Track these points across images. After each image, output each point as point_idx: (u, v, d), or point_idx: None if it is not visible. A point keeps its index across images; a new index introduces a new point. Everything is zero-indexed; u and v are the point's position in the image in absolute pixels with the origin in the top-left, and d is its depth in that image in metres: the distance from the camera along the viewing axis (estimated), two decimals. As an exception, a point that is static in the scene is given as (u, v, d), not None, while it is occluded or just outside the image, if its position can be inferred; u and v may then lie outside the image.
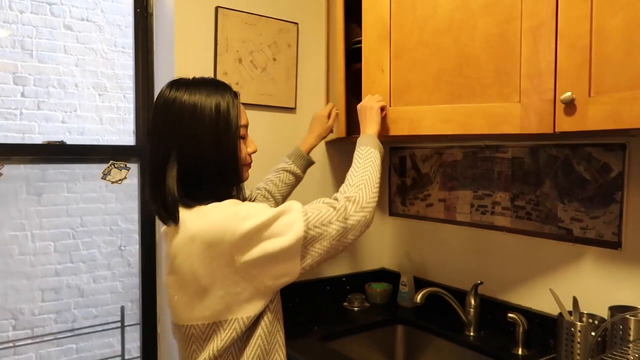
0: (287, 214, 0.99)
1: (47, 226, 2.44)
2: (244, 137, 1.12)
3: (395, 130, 1.38)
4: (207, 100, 1.02)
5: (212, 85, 1.06)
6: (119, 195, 2.57)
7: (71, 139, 1.96)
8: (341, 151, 1.95)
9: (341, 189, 1.13)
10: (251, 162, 1.15)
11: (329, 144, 1.92)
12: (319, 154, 1.89)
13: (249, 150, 1.13)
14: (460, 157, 1.76)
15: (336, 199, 1.09)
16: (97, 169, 1.65)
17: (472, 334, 1.59)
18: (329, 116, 1.58)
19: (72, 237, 2.51)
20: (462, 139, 1.67)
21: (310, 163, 1.56)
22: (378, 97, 1.36)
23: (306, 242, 0.99)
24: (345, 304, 1.89)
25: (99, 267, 2.60)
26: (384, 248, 2.10)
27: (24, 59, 2.32)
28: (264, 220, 0.96)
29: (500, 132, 1.22)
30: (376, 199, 1.14)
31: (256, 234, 0.95)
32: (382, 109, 1.35)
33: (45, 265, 2.47)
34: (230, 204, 1.01)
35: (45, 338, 2.46)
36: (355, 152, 1.24)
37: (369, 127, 1.31)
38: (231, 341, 1.00)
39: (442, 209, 1.83)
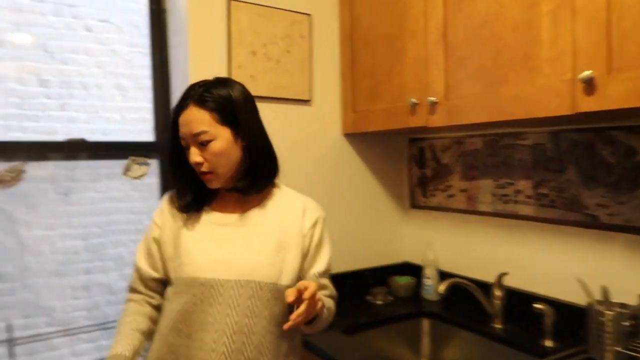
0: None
1: (75, 225, 2.49)
2: (187, 148, 1.14)
3: (450, 120, 1.43)
4: None
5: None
6: (144, 194, 2.60)
7: (95, 140, 2.01)
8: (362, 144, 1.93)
9: None
10: (204, 172, 1.14)
11: (349, 137, 1.90)
12: (335, 147, 1.88)
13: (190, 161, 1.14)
14: (480, 145, 1.71)
15: None
16: (121, 167, 1.68)
17: (498, 326, 1.55)
18: None
19: (100, 236, 2.56)
20: (499, 126, 1.64)
21: None
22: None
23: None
24: (368, 297, 1.87)
25: (127, 265, 2.64)
26: (406, 241, 2.07)
27: (46, 62, 2.37)
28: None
29: (528, 117, 1.19)
30: None
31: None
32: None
33: (76, 263, 2.52)
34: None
35: (77, 332, 2.52)
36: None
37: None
38: None
39: (463, 200, 1.79)
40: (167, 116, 1.76)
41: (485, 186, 1.70)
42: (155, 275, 1.22)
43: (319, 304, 1.09)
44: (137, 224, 2.58)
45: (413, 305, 1.80)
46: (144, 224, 2.62)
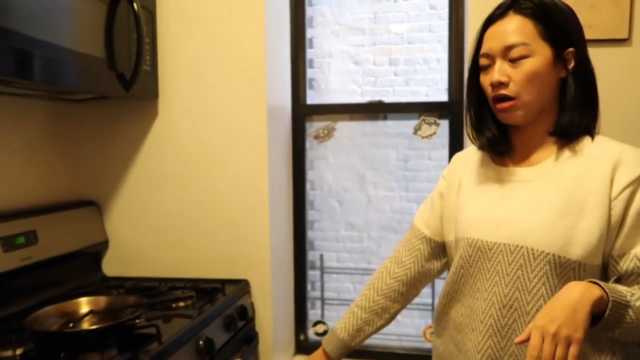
0: None
1: (411, 189, 2.74)
2: (485, 68, 1.00)
3: None
4: None
5: None
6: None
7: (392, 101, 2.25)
8: None
9: None
10: (502, 96, 0.96)
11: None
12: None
13: (490, 80, 0.98)
14: None
15: None
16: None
17: None
18: None
19: (431, 202, 2.73)
20: None
21: None
22: None
23: None
24: None
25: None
26: None
27: (396, 43, 2.68)
28: None
29: None
30: None
31: None
32: None
33: (409, 224, 2.78)
34: None
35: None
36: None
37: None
38: None
39: None
40: (461, 74, 1.73)
41: None
42: (425, 232, 1.19)
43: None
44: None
45: None
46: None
